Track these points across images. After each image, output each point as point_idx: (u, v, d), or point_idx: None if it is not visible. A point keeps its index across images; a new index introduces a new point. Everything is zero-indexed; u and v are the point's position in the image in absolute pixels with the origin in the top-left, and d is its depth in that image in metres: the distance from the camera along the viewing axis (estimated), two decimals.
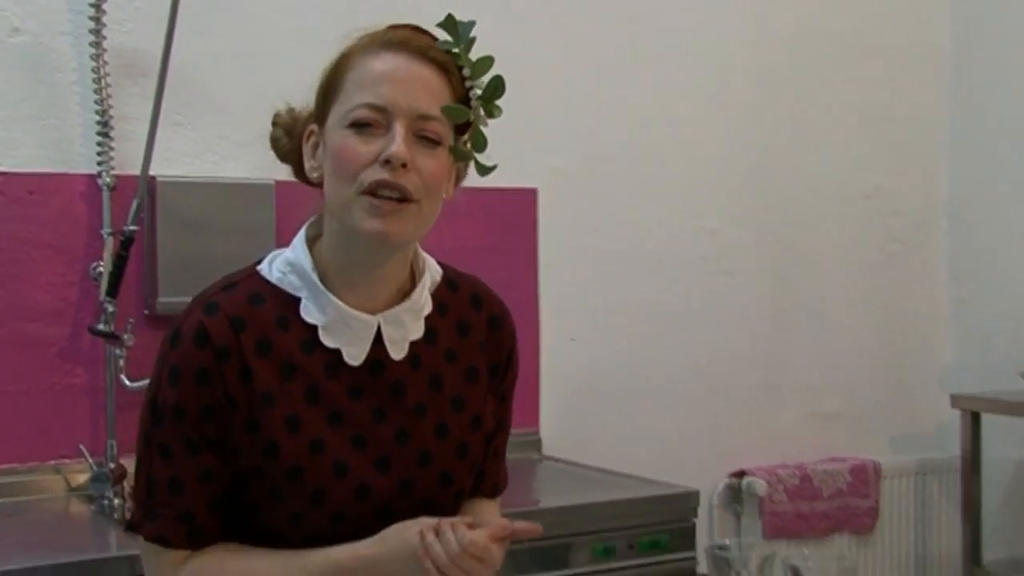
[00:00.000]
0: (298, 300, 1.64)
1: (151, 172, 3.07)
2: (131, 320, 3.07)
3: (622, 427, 3.77)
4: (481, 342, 1.77)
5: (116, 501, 3.00)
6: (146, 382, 2.83)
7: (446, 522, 1.55)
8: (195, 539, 1.62)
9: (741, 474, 4.06)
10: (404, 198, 1.56)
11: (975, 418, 4.07)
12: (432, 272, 1.74)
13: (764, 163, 4.20)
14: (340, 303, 1.62)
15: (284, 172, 3.22)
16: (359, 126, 1.57)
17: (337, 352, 1.62)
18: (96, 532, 2.87)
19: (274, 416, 1.59)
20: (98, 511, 2.95)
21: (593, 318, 3.76)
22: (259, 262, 1.69)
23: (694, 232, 4.05)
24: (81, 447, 3.05)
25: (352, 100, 1.58)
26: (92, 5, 3.03)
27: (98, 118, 3.07)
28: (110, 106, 3.07)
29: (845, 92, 4.34)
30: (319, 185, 1.65)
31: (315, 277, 1.63)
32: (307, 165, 1.66)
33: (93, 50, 3.06)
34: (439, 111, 1.59)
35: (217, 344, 1.58)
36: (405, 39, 1.61)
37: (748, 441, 4.17)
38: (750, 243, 4.18)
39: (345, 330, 1.63)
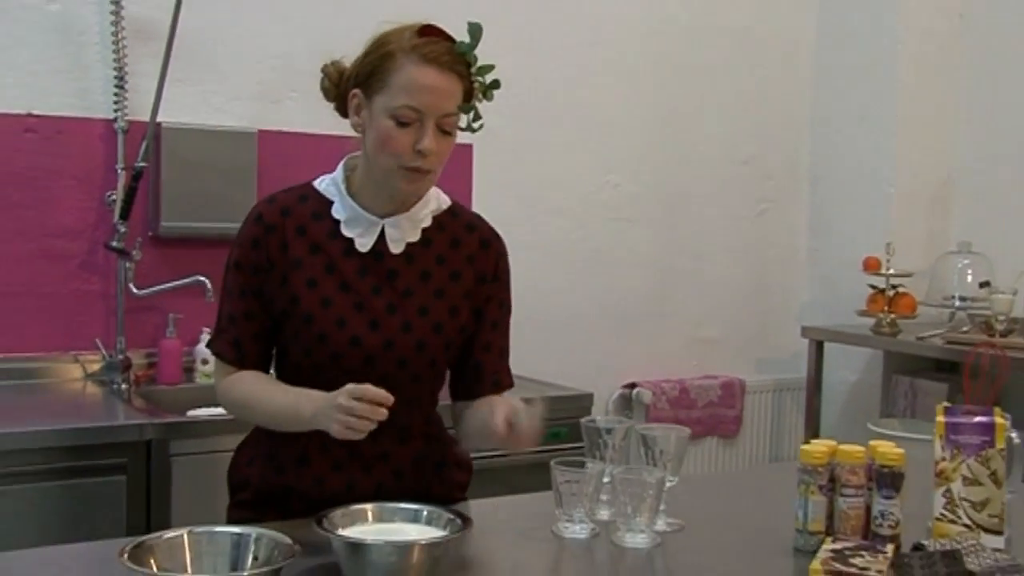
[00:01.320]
0: (330, 203, 1.99)
1: (158, 119, 3.23)
2: (139, 239, 3.26)
3: (536, 346, 3.71)
4: (470, 256, 2.03)
5: (124, 385, 3.20)
6: (150, 291, 3.19)
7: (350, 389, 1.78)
8: (240, 359, 1.99)
9: (632, 386, 4.26)
10: (427, 170, 1.92)
11: (820, 346, 4.28)
12: (440, 201, 2.05)
13: (660, 131, 4.33)
14: (357, 206, 1.98)
15: (266, 124, 3.51)
16: (401, 121, 1.87)
17: (351, 240, 1.97)
18: (107, 407, 3.06)
19: (299, 277, 1.95)
20: (109, 392, 3.15)
21: (515, 255, 3.71)
22: (315, 179, 2.05)
23: (600, 186, 4.22)
24: (97, 341, 3.25)
25: (397, 100, 1.86)
26: None
27: (115, 73, 3.22)
28: (125, 64, 3.23)
29: (727, 75, 4.47)
30: (358, 131, 1.95)
31: (343, 188, 1.99)
32: (352, 120, 1.96)
33: (113, 17, 3.21)
34: (455, 108, 1.90)
35: (267, 223, 1.97)
36: (439, 55, 1.87)
37: (638, 360, 4.34)
38: (646, 197, 4.32)
39: (358, 225, 1.97)
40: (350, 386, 1.76)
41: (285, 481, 1.98)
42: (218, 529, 1.66)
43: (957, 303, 4.13)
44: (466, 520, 1.74)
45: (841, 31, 4.63)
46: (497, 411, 1.88)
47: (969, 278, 4.13)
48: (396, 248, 1.99)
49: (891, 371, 4.40)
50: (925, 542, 1.89)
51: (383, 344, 1.96)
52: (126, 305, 3.30)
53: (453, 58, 1.89)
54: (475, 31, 1.92)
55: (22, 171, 3.20)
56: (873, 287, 4.22)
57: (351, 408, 1.74)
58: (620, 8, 4.23)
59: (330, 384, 1.83)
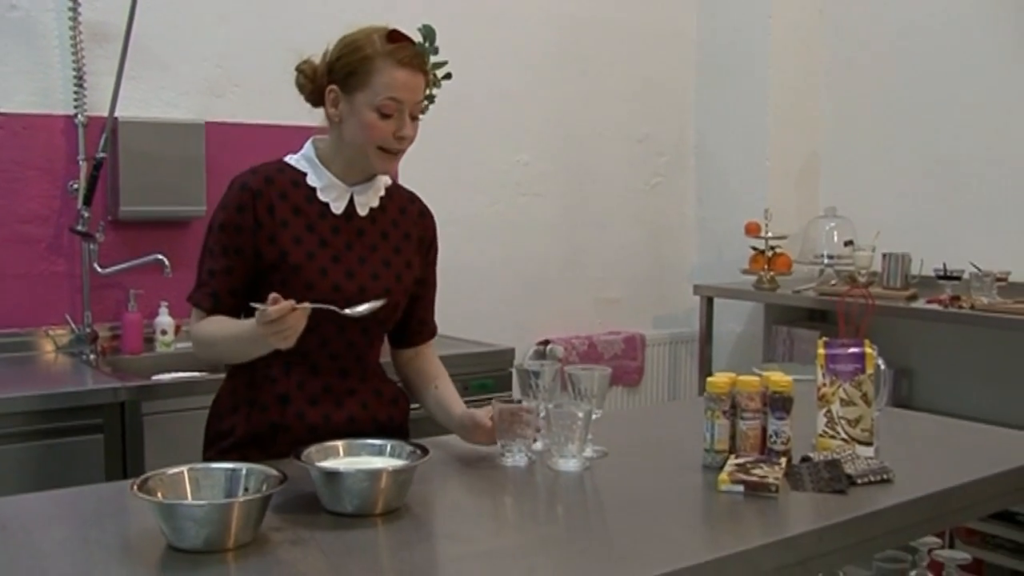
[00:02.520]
0: (304, 174, 2.12)
1: (115, 114, 3.25)
2: (101, 223, 3.28)
3: (460, 309, 3.70)
4: (414, 221, 2.23)
5: (92, 356, 3.23)
6: (113, 269, 3.21)
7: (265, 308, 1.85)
8: (215, 310, 2.07)
9: (546, 342, 4.35)
10: (401, 150, 2.09)
11: (709, 302, 4.42)
12: (384, 178, 2.21)
13: (564, 114, 4.42)
14: (332, 175, 2.12)
15: (211, 116, 3.54)
16: (383, 113, 2.03)
17: (327, 204, 2.12)
18: (76, 374, 3.08)
19: (286, 235, 2.07)
20: (79, 361, 3.17)
21: (440, 228, 3.65)
22: (284, 156, 2.16)
23: (511, 164, 4.30)
24: (67, 316, 3.27)
25: (380, 95, 2.03)
26: None
27: (74, 73, 3.24)
28: (84, 64, 3.24)
29: (621, 64, 4.56)
30: (333, 122, 2.09)
31: (317, 161, 2.13)
32: (328, 111, 2.09)
33: (71, 22, 3.22)
34: (423, 98, 2.09)
35: (253, 189, 2.08)
36: (411, 58, 2.05)
37: (550, 319, 4.44)
38: (553, 173, 4.41)
39: (333, 191, 2.12)
40: (263, 311, 1.85)
41: (269, 418, 2.08)
42: (214, 465, 1.74)
43: (826, 260, 4.27)
44: (425, 451, 1.85)
45: (718, 24, 4.74)
46: (477, 412, 2.10)
47: (835, 238, 4.27)
48: (363, 211, 2.17)
49: (771, 322, 4.56)
50: (811, 455, 2.05)
51: (358, 289, 2.11)
52: (91, 283, 3.32)
53: (420, 59, 2.08)
54: (429, 33, 2.11)
55: None
56: (754, 248, 4.34)
57: (279, 320, 1.84)
58: (520, 5, 4.27)
59: (313, 327, 1.92)
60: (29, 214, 3.26)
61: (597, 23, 4.50)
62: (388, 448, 1.88)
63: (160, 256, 3.30)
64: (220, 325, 2.06)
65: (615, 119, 4.61)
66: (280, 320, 1.82)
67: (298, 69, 2.14)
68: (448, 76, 2.14)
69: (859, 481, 1.92)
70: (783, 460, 1.99)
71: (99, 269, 3.30)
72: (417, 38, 2.10)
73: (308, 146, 2.18)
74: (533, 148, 4.38)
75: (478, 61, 4.14)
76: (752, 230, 4.32)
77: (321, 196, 2.13)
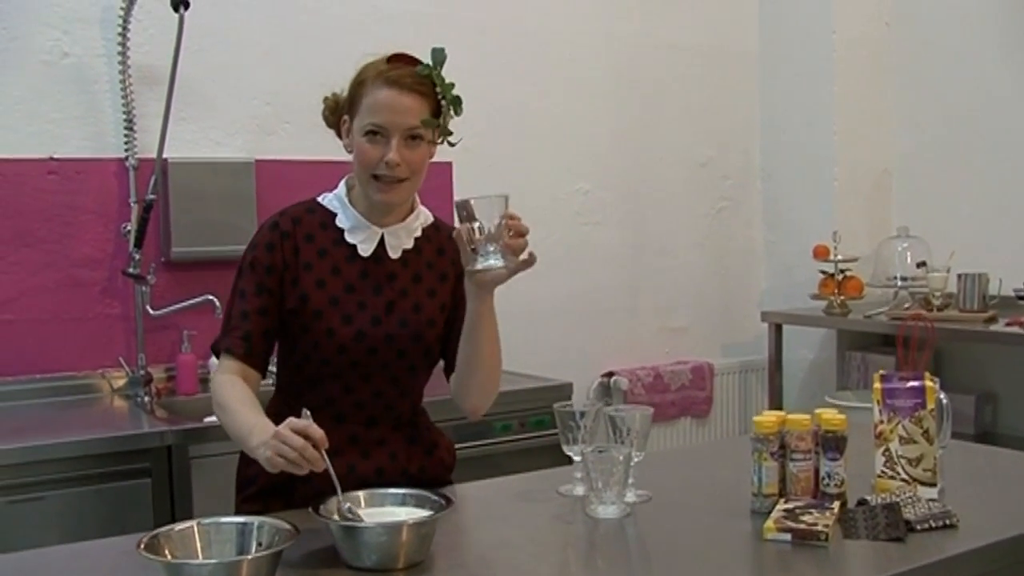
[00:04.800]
0: (334, 215, 2.02)
1: (164, 155, 3.22)
2: (152, 265, 3.25)
3: (520, 342, 3.64)
4: (453, 260, 2.07)
5: (147, 398, 3.18)
6: (164, 311, 3.18)
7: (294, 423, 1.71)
8: (248, 353, 1.95)
9: (610, 374, 4.21)
10: (398, 179, 1.95)
11: (779, 329, 4.27)
12: (426, 216, 2.11)
13: (625, 141, 4.29)
14: (360, 216, 2.02)
15: (260, 154, 3.52)
16: (371, 136, 1.92)
17: (355, 247, 2.01)
18: (133, 418, 3.03)
19: (309, 278, 1.97)
20: (134, 405, 3.13)
21: None
22: (318, 195, 2.08)
23: (571, 193, 4.18)
24: (120, 359, 3.24)
25: (365, 119, 1.93)
26: (119, 33, 3.18)
27: (124, 116, 3.22)
28: (133, 107, 3.22)
29: (682, 87, 4.42)
30: (349, 152, 2.00)
31: (347, 200, 2.03)
32: (343, 141, 2.02)
33: (120, 66, 3.20)
34: (419, 122, 1.93)
35: (282, 230, 2.00)
36: (400, 77, 1.92)
37: (615, 350, 4.30)
38: (614, 201, 4.29)
39: (361, 233, 2.02)
40: (293, 419, 1.71)
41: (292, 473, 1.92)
42: (224, 520, 1.65)
43: (899, 283, 4.10)
44: (449, 501, 1.74)
45: (781, 42, 4.60)
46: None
47: (908, 260, 4.10)
48: (394, 254, 2.05)
49: (844, 348, 4.38)
50: (868, 497, 1.89)
51: (384, 338, 2.00)
52: (144, 325, 3.29)
53: (414, 80, 1.94)
54: (437, 54, 1.97)
55: (47, 209, 3.20)
56: (823, 272, 4.19)
57: (286, 438, 1.68)
58: (579, 29, 4.19)
59: (336, 374, 1.86)
60: (83, 258, 3.25)
61: (656, 45, 4.40)
62: (412, 499, 1.77)
63: (211, 297, 3.25)
64: (234, 397, 1.89)
65: (677, 143, 4.48)
66: (290, 442, 1.66)
67: (324, 101, 2.07)
68: (458, 102, 1.98)
69: (919, 527, 1.76)
70: (837, 504, 1.83)
71: (151, 311, 3.27)
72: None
73: (341, 185, 2.09)
74: (593, 176, 4.27)
75: (533, 87, 4.07)
76: (821, 253, 4.16)
77: (349, 238, 2.03)
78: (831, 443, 1.88)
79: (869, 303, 4.13)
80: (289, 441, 1.67)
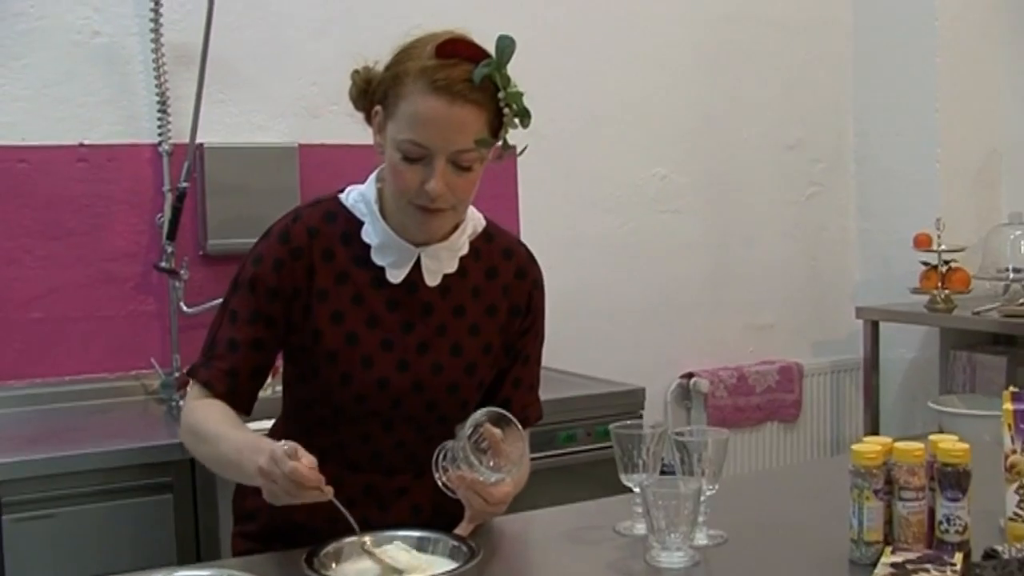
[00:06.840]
0: (362, 223, 1.64)
1: (199, 140, 3.00)
2: (186, 259, 3.01)
3: (590, 340, 3.63)
4: (505, 286, 1.71)
5: (181, 402, 2.87)
6: (199, 308, 2.92)
7: (280, 449, 1.39)
8: (230, 394, 1.59)
9: (689, 376, 3.94)
10: (442, 209, 1.57)
11: (875, 326, 3.97)
12: (475, 223, 1.70)
13: (705, 122, 4.02)
14: (391, 231, 1.62)
15: (305, 138, 3.26)
16: (409, 152, 1.53)
17: (382, 269, 1.62)
18: (167, 424, 2.80)
19: (324, 310, 1.60)
20: (167, 410, 2.91)
21: (566, 251, 3.59)
22: (342, 190, 1.68)
23: (648, 179, 3.91)
24: (152, 360, 3.01)
25: (403, 132, 1.52)
26: (152, 11, 2.96)
27: (158, 99, 3.00)
28: (167, 89, 2.99)
29: (768, 64, 4.13)
30: (379, 152, 1.61)
31: (376, 208, 1.63)
32: (374, 139, 1.61)
33: (153, 46, 2.98)
34: (472, 143, 1.52)
35: (294, 244, 1.60)
36: (450, 83, 1.50)
37: (695, 349, 4.02)
38: (694, 187, 4.01)
39: (391, 253, 1.62)
40: (286, 445, 1.39)
41: (295, 518, 1.55)
42: (193, 574, 1.35)
43: (1011, 275, 3.74)
44: (472, 549, 1.40)
45: (877, 11, 4.29)
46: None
47: (1021, 249, 3.77)
48: (432, 280, 1.66)
49: (948, 347, 4.02)
50: (999, 547, 1.51)
51: (412, 386, 1.63)
52: (179, 323, 3.04)
53: (468, 86, 1.51)
54: (504, 48, 1.52)
55: (77, 199, 2.98)
56: (925, 263, 3.86)
57: (270, 473, 1.38)
58: (656, 4, 3.91)
59: (350, 426, 1.54)
60: (116, 251, 3.02)
61: (739, 18, 4.07)
62: (427, 543, 1.44)
63: None
64: (221, 418, 1.57)
65: (763, 124, 4.16)
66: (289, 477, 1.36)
67: (352, 77, 1.65)
68: (526, 113, 1.54)
69: None
70: (958, 557, 1.46)
71: (185, 308, 3.01)
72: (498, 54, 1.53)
73: (371, 181, 1.67)
74: (671, 160, 3.97)
75: (607, 65, 3.80)
76: (922, 242, 3.82)
77: (376, 258, 1.63)
78: (951, 479, 1.51)
79: (977, 298, 3.80)
80: (273, 476, 1.36)
